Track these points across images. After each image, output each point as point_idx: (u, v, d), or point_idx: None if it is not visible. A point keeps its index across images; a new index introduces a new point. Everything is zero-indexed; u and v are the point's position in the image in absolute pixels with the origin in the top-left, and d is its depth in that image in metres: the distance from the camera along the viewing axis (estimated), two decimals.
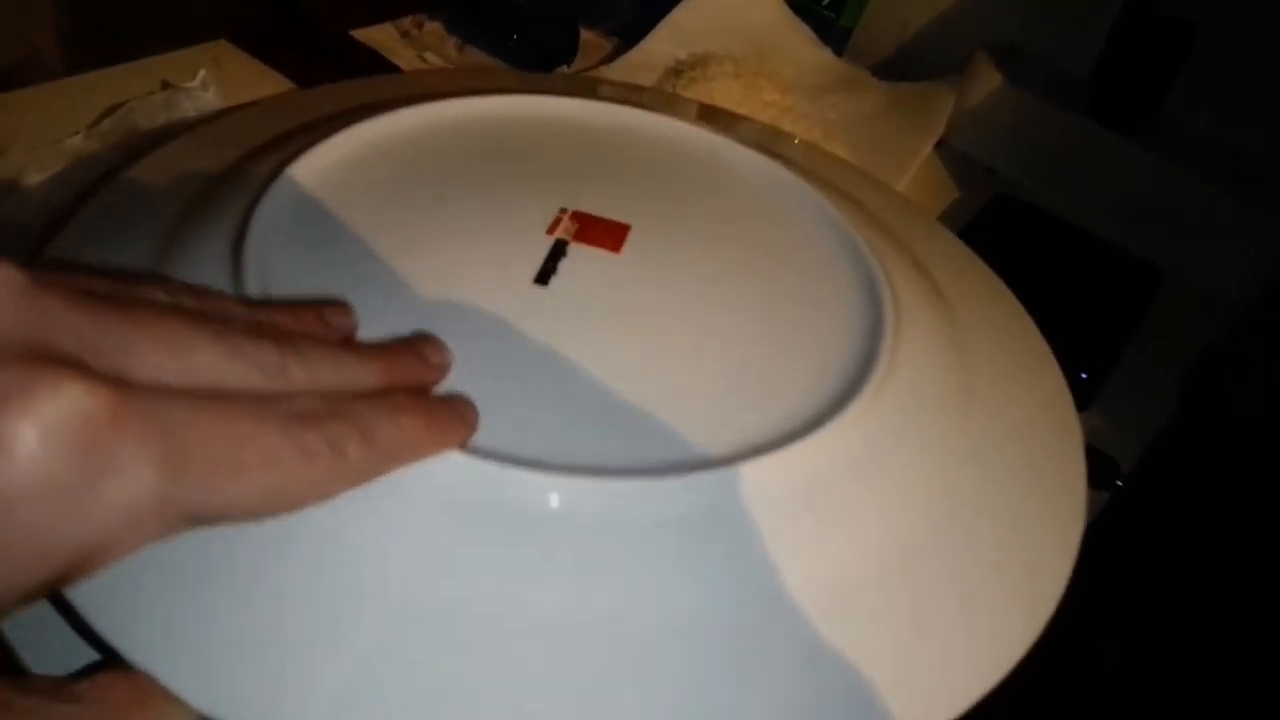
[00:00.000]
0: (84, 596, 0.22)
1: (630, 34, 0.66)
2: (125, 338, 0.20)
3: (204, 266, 0.29)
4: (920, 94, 0.65)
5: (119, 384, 0.19)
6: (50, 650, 0.23)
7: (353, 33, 0.61)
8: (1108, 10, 0.61)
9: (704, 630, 0.24)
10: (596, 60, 0.65)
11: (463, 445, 0.25)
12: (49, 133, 0.47)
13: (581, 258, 0.32)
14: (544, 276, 0.31)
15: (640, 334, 0.30)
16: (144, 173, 0.36)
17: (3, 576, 0.17)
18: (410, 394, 0.25)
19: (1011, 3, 0.67)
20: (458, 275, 0.31)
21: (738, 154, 0.40)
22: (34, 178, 0.44)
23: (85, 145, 0.47)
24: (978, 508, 0.30)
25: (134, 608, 0.22)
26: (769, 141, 0.48)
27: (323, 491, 0.22)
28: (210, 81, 0.51)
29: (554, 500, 0.24)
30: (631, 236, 0.34)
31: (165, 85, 0.51)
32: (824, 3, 0.69)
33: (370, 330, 0.27)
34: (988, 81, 0.63)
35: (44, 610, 0.23)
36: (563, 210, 0.34)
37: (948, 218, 0.59)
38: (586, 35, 0.66)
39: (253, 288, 0.28)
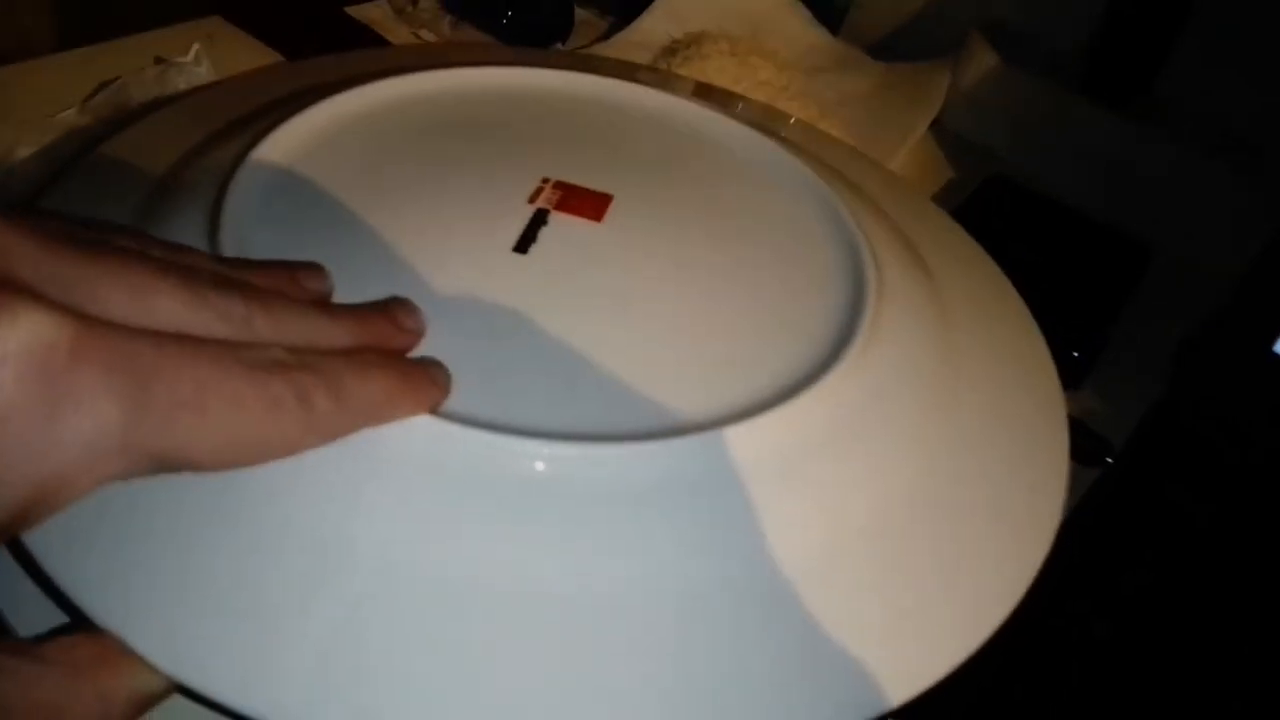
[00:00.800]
0: (49, 553, 0.22)
1: (625, 12, 0.65)
2: (88, 276, 0.19)
3: (180, 235, 0.29)
4: (916, 74, 0.65)
5: (82, 316, 0.18)
6: (21, 614, 0.23)
7: (347, 9, 0.61)
8: None
9: (687, 596, 0.24)
10: (591, 39, 0.65)
11: (434, 408, 0.25)
12: (42, 108, 0.47)
13: (563, 227, 0.32)
14: (523, 245, 0.31)
15: (620, 302, 0.30)
16: (122, 145, 0.36)
17: None
18: (382, 353, 0.25)
19: None
20: (436, 243, 0.30)
21: (725, 127, 0.40)
22: (25, 153, 0.44)
23: (78, 121, 0.47)
24: (960, 473, 0.30)
25: (99, 567, 0.22)
26: (762, 119, 0.47)
27: (288, 443, 0.21)
28: (203, 57, 0.50)
29: (532, 465, 0.24)
30: (614, 206, 0.34)
31: (158, 61, 0.51)
32: None
33: (345, 296, 0.27)
34: (983, 61, 0.63)
35: (14, 574, 0.23)
36: (545, 180, 0.34)
37: (942, 197, 0.59)
38: (581, 13, 0.66)
39: (229, 253, 0.28)
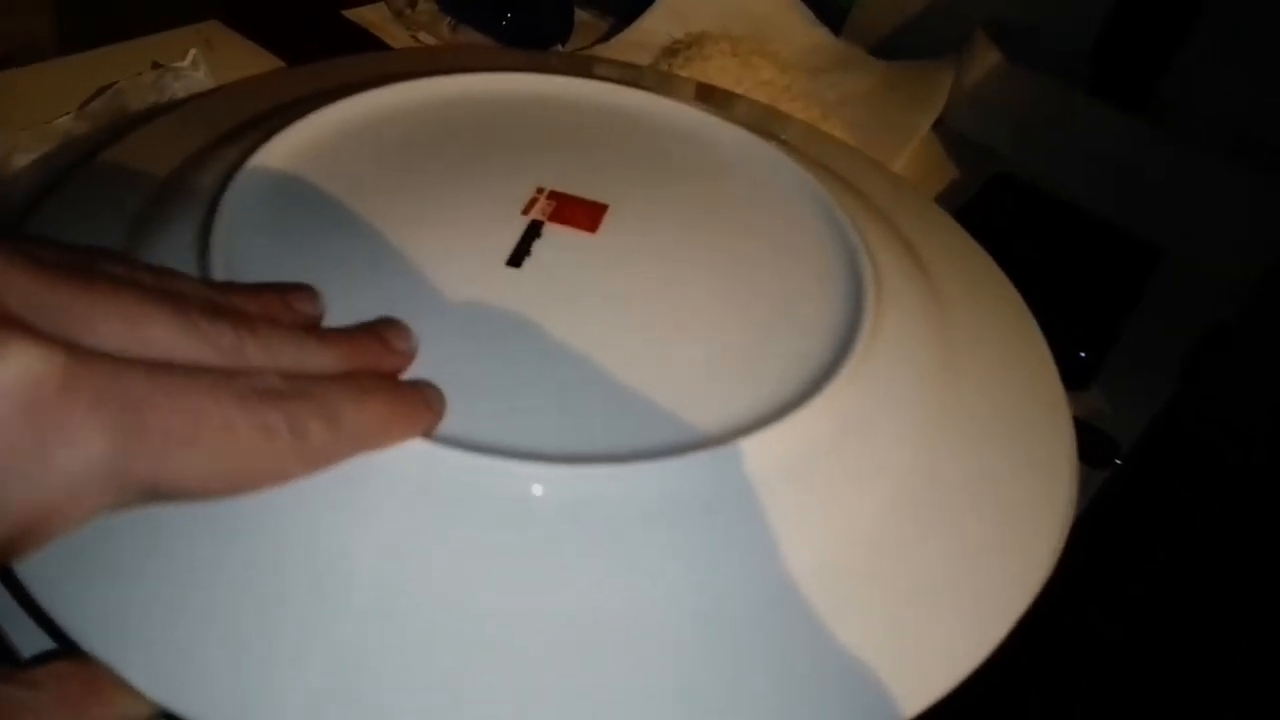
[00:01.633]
0: (39, 582, 0.22)
1: (626, 13, 0.65)
2: (79, 307, 0.19)
3: (171, 250, 0.29)
4: (918, 73, 0.64)
5: (72, 348, 0.18)
6: (20, 635, 0.23)
7: (345, 12, 0.61)
8: None
9: (694, 616, 0.24)
10: (591, 40, 0.64)
11: (428, 432, 0.24)
12: (39, 114, 0.47)
13: (557, 238, 0.32)
14: (517, 258, 0.31)
15: (616, 316, 0.30)
16: (119, 154, 0.36)
17: None
18: (375, 377, 0.24)
19: None
20: (429, 258, 0.30)
21: (722, 132, 0.39)
22: (22, 159, 0.44)
23: (75, 126, 0.46)
24: (965, 480, 0.29)
25: (91, 595, 0.22)
26: (763, 121, 0.47)
27: (281, 472, 0.21)
28: (200, 61, 0.50)
29: (531, 489, 0.24)
30: (609, 216, 0.33)
31: (156, 66, 0.51)
32: None
33: (338, 313, 0.27)
34: (987, 59, 0.63)
35: (1, 598, 0.23)
36: (539, 190, 0.34)
37: (946, 197, 0.58)
38: (581, 14, 0.65)
39: (219, 271, 0.28)
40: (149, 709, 0.21)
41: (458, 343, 0.27)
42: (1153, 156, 0.59)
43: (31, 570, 0.22)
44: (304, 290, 0.26)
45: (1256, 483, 0.44)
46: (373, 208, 0.32)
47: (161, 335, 0.20)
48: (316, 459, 0.22)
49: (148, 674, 0.21)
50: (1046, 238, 0.55)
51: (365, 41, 0.58)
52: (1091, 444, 0.44)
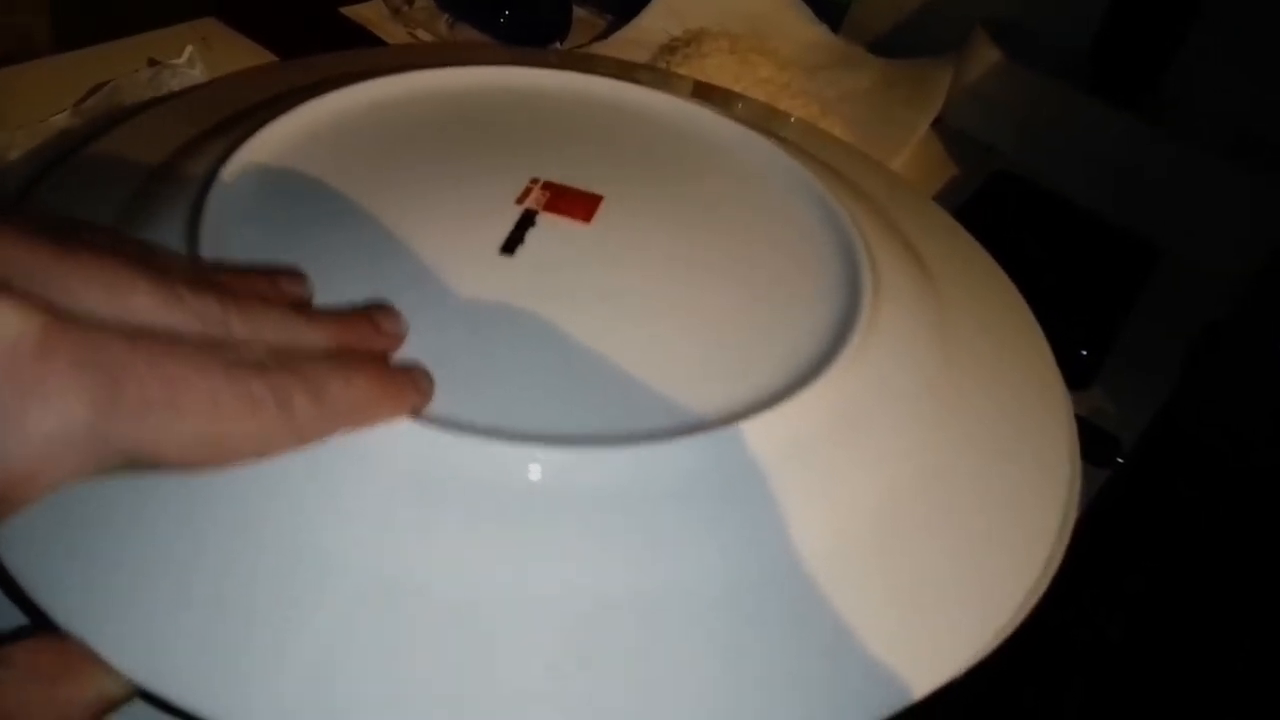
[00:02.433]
0: (14, 556, 0.22)
1: (624, 10, 0.65)
2: (63, 272, 0.19)
3: (160, 237, 0.28)
4: (918, 70, 0.64)
5: (53, 310, 0.18)
6: None
7: (342, 10, 0.60)
8: None
9: (701, 599, 0.24)
10: (589, 37, 0.64)
11: (416, 412, 0.24)
12: (36, 111, 0.47)
13: (551, 228, 0.32)
14: (510, 246, 0.31)
15: (609, 303, 0.30)
16: (110, 145, 0.35)
17: None
18: (362, 356, 0.24)
19: None
20: (421, 245, 0.30)
21: (717, 125, 0.39)
22: (17, 156, 0.44)
23: (71, 123, 0.46)
24: (966, 468, 0.29)
25: (67, 570, 0.22)
26: (761, 119, 0.47)
27: (264, 445, 0.21)
28: (197, 59, 0.50)
29: (526, 471, 0.24)
30: (604, 207, 0.33)
31: (152, 63, 0.50)
32: None
33: (328, 299, 0.27)
34: (986, 57, 0.63)
35: None
36: (534, 180, 0.34)
37: (945, 195, 0.58)
38: (579, 12, 0.65)
39: (208, 256, 0.27)
40: (125, 687, 0.20)
41: (450, 328, 0.27)
42: (1152, 155, 0.59)
43: (6, 544, 0.21)
44: (292, 273, 0.26)
45: (1256, 483, 0.43)
46: (364, 197, 0.32)
47: (144, 304, 0.20)
48: (301, 433, 0.22)
49: (124, 650, 0.20)
50: (1046, 236, 0.55)
51: (363, 39, 0.58)
52: (1093, 442, 0.44)
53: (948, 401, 0.31)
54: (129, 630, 0.21)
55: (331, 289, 0.27)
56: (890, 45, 0.68)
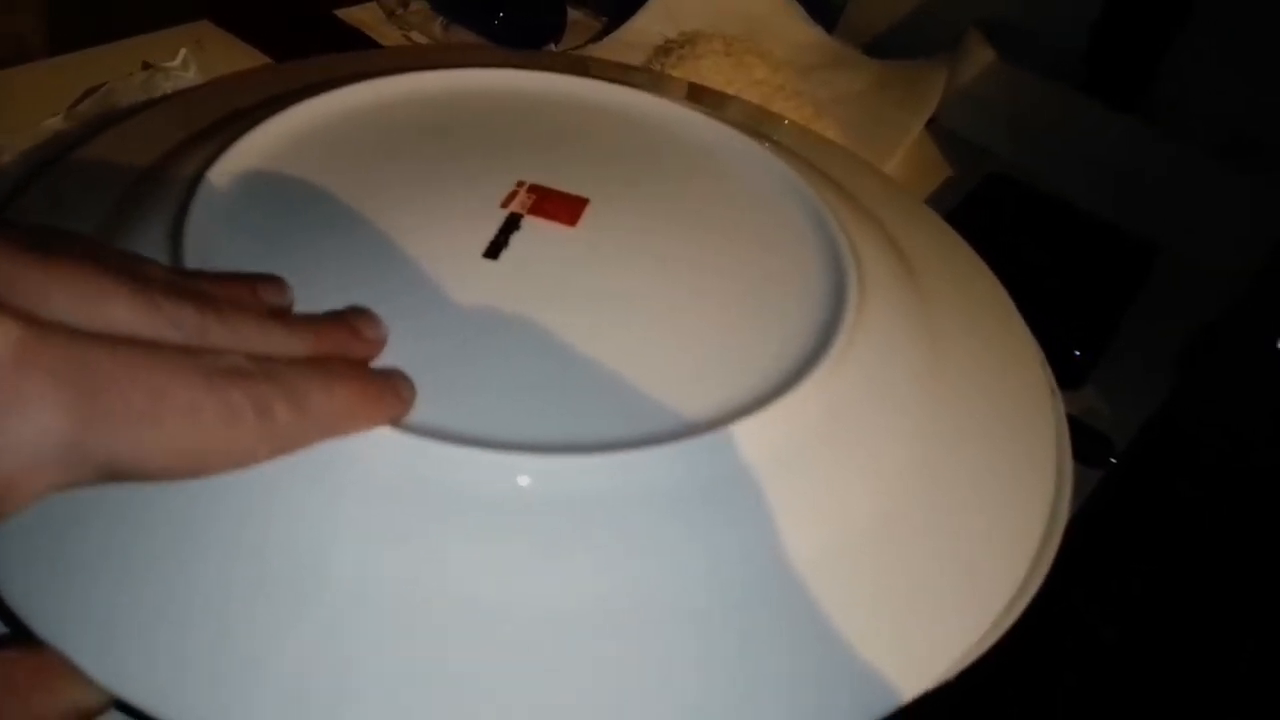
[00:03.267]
0: None
1: (619, 12, 0.65)
2: (40, 282, 0.19)
3: (145, 242, 0.28)
4: (912, 72, 0.64)
5: (30, 319, 0.18)
6: None
7: (337, 12, 0.60)
8: None
9: (689, 605, 0.24)
10: (584, 39, 0.64)
11: (396, 420, 0.24)
12: (29, 114, 0.47)
13: (536, 231, 0.32)
14: (494, 250, 0.31)
15: (595, 307, 0.30)
16: (98, 149, 0.35)
17: None
18: (343, 363, 0.24)
19: None
20: (404, 250, 0.30)
21: (705, 127, 0.39)
22: (9, 159, 0.44)
23: (64, 127, 0.46)
24: (955, 469, 0.29)
25: (44, 579, 0.21)
26: (754, 121, 0.47)
27: (245, 454, 0.21)
28: (191, 62, 0.50)
29: (513, 480, 0.24)
30: (590, 210, 0.33)
31: (146, 66, 0.50)
32: None
33: (310, 305, 0.26)
34: (980, 58, 0.63)
35: None
36: (519, 183, 0.34)
37: (940, 196, 0.58)
38: (574, 14, 0.65)
39: (192, 263, 0.27)
40: (101, 697, 0.20)
41: (433, 333, 0.27)
42: (1147, 155, 0.59)
43: None
44: (271, 280, 0.26)
45: (1256, 483, 0.43)
46: (348, 201, 0.32)
47: (122, 313, 0.20)
48: (282, 442, 0.21)
49: (100, 660, 0.20)
50: (1041, 237, 0.55)
51: (357, 41, 0.58)
52: (1086, 443, 0.44)
53: (935, 402, 0.31)
54: (105, 640, 0.21)
55: (314, 294, 0.27)
56: (885, 47, 0.68)
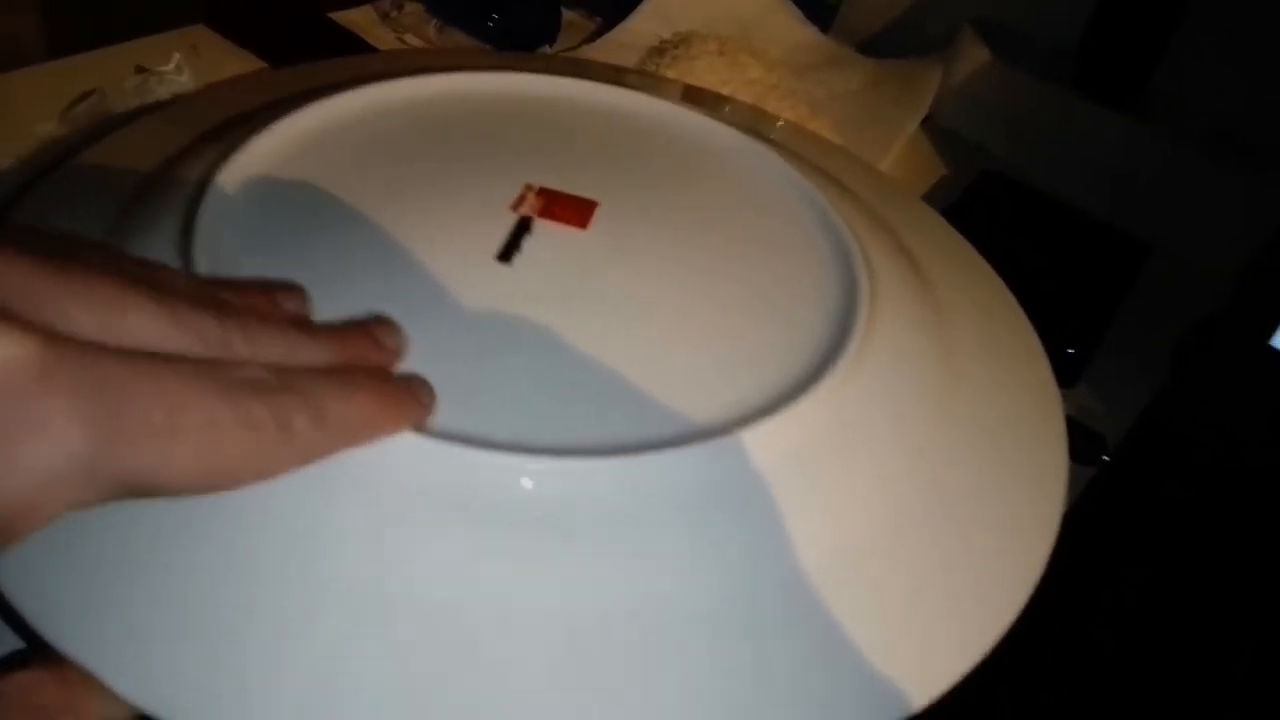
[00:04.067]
0: (11, 577, 0.21)
1: (613, 13, 0.65)
2: (58, 292, 0.19)
3: (154, 248, 0.28)
4: (907, 70, 0.64)
5: (50, 335, 0.18)
6: None
7: (331, 15, 0.60)
8: None
9: (699, 612, 0.24)
10: (579, 40, 0.64)
11: (417, 427, 0.24)
12: (23, 119, 0.46)
13: (547, 234, 0.32)
14: (507, 254, 0.31)
15: (608, 311, 0.30)
16: (101, 154, 0.35)
17: None
18: (363, 372, 0.24)
19: None
20: (416, 254, 0.30)
21: (712, 130, 0.39)
22: (6, 165, 0.44)
23: (57, 131, 0.46)
24: (965, 476, 0.29)
25: (67, 593, 0.21)
26: (751, 122, 0.47)
27: (266, 467, 0.21)
28: (185, 66, 0.50)
29: (527, 483, 0.24)
30: (600, 212, 0.33)
31: (140, 70, 0.50)
32: None
33: (325, 311, 0.26)
34: (975, 57, 0.63)
35: None
36: (528, 187, 0.34)
37: (934, 194, 0.58)
38: (568, 15, 0.65)
39: (203, 269, 0.27)
40: (125, 713, 0.20)
41: (448, 339, 0.27)
42: (1140, 153, 0.59)
43: (2, 569, 0.21)
44: (290, 288, 0.26)
45: (1248, 483, 0.43)
46: (358, 205, 0.32)
47: (141, 323, 0.20)
48: (302, 454, 0.21)
49: (123, 673, 0.20)
50: (1034, 235, 0.55)
51: (352, 44, 0.58)
52: (1079, 441, 0.44)
53: (947, 408, 0.31)
54: (128, 653, 0.21)
55: (328, 301, 0.27)
56: (880, 45, 0.68)
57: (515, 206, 0.33)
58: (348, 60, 0.49)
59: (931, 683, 0.24)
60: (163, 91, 0.49)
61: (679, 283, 0.32)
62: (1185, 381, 0.46)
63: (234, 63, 0.55)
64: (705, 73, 0.57)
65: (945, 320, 0.34)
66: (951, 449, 0.30)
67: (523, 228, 0.32)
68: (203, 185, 0.30)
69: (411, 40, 0.61)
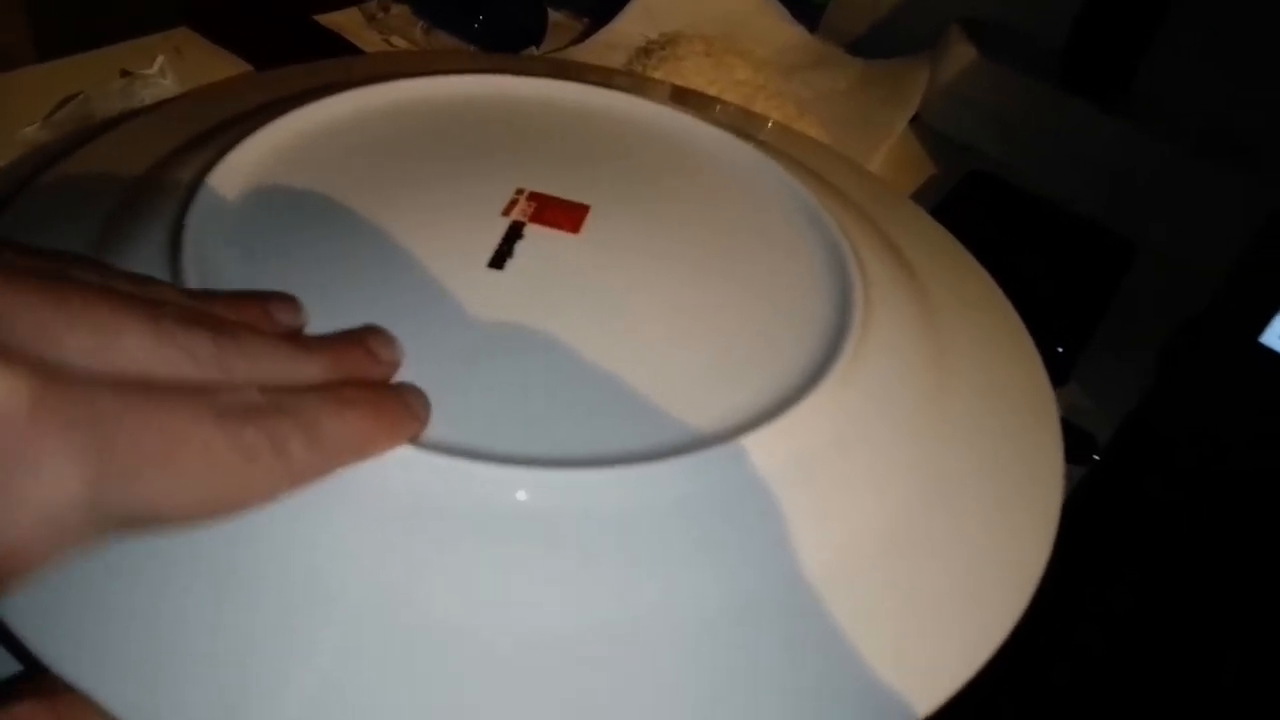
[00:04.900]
0: (9, 600, 0.21)
1: (600, 14, 0.65)
2: (49, 318, 0.18)
3: (142, 257, 0.28)
4: (894, 70, 0.64)
5: (42, 369, 0.17)
6: None
7: (318, 17, 0.60)
8: None
9: (699, 623, 0.24)
10: (566, 41, 0.64)
11: (414, 440, 0.24)
12: (4, 124, 0.46)
13: (539, 240, 0.32)
14: (499, 260, 0.30)
15: (603, 317, 0.30)
16: (86, 160, 0.35)
17: None
18: (357, 387, 0.24)
19: None
20: (408, 261, 0.30)
21: (702, 132, 0.39)
22: None
23: (39, 137, 0.46)
24: (962, 480, 0.29)
25: (65, 616, 0.21)
26: (738, 122, 0.47)
27: (264, 493, 0.21)
28: (168, 69, 0.49)
29: (525, 495, 0.24)
30: (591, 217, 0.33)
31: (124, 74, 0.50)
32: None
33: (317, 321, 0.26)
34: (962, 56, 0.63)
35: None
36: (519, 191, 0.33)
37: (922, 194, 0.58)
38: (555, 16, 0.65)
39: (192, 279, 0.27)
40: None
41: (441, 347, 0.27)
42: (1128, 151, 0.59)
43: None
44: (285, 299, 0.26)
45: (1234, 486, 0.43)
46: (347, 212, 0.31)
47: (135, 347, 0.19)
48: (299, 478, 0.21)
49: (124, 699, 0.20)
50: (1022, 234, 0.55)
51: (338, 46, 0.58)
52: (1070, 440, 0.44)
53: (943, 409, 0.31)
54: (127, 676, 0.21)
55: (321, 310, 0.26)
56: (867, 45, 0.68)
57: (506, 211, 0.32)
58: (334, 63, 0.49)
59: (934, 690, 0.24)
60: (147, 95, 0.48)
61: (673, 287, 0.31)
62: (1173, 380, 0.46)
63: (219, 65, 0.55)
64: (692, 73, 0.57)
65: (938, 320, 0.34)
66: (949, 449, 0.30)
67: (514, 233, 0.31)
68: (189, 193, 0.30)
69: (398, 42, 0.60)
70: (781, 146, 0.43)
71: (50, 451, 0.17)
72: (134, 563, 0.22)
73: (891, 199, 0.43)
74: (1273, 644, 0.38)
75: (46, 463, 0.17)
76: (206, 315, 0.22)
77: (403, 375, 0.26)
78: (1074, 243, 0.55)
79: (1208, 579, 0.40)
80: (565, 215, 0.33)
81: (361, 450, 0.23)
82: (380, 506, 0.23)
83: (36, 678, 0.20)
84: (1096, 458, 0.43)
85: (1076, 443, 0.44)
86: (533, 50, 0.62)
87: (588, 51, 0.61)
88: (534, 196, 0.33)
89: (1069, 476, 0.42)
